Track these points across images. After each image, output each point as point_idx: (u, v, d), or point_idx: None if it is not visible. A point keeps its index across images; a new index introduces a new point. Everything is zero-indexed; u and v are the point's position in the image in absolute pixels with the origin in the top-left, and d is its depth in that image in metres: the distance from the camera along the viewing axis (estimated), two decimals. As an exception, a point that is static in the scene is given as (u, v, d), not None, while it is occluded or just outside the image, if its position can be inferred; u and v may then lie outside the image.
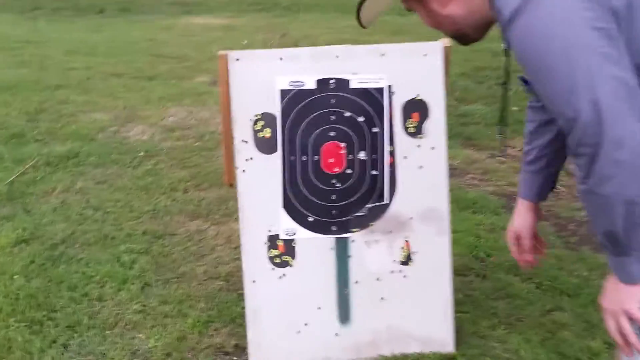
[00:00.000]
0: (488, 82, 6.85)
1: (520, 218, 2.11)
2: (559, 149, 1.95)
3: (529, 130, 2.04)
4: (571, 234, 3.63)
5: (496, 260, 3.27)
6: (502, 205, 3.96)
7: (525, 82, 1.69)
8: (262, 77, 2.39)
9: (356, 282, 2.52)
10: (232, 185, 2.50)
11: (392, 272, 2.53)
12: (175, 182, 4.32)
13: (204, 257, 3.35)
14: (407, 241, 2.52)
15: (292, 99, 2.41)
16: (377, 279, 2.52)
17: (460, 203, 3.87)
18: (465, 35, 1.74)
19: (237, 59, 2.39)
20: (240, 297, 2.62)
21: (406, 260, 2.53)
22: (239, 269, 2.62)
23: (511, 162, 4.60)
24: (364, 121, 2.44)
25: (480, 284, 3.08)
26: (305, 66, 2.40)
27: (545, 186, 2.07)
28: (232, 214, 3.70)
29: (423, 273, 2.54)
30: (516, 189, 3.85)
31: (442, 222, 2.53)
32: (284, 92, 2.40)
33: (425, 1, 1.69)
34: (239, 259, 2.60)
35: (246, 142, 2.42)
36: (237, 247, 2.93)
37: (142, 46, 9.35)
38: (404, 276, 2.53)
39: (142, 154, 4.84)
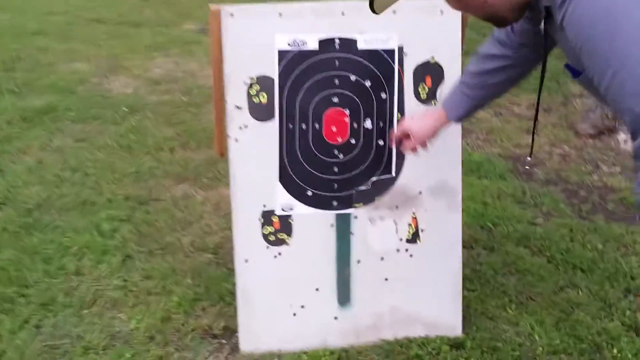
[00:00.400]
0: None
1: (424, 124, 2.07)
2: (500, 91, 1.95)
3: (485, 69, 1.90)
4: (582, 201, 3.47)
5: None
6: (509, 168, 3.81)
7: (573, 71, 1.45)
8: (259, 36, 2.18)
9: (358, 261, 2.37)
10: (222, 155, 2.30)
11: (397, 250, 2.39)
12: (160, 141, 4.10)
13: (191, 226, 3.14)
14: (414, 217, 2.37)
15: (292, 60, 2.21)
16: (381, 258, 2.38)
17: (464, 167, 3.67)
18: (500, 17, 1.51)
19: (232, 15, 2.16)
20: (230, 272, 2.48)
21: (413, 238, 2.39)
22: (228, 240, 2.43)
23: (518, 122, 4.38)
24: (371, 86, 2.26)
25: (488, 258, 2.94)
26: (307, 23, 2.19)
27: (469, 112, 2.03)
28: (221, 178, 3.49)
29: (431, 252, 2.40)
30: (523, 150, 3.59)
31: (454, 197, 2.38)
32: (282, 53, 2.20)
33: None
34: (228, 228, 2.41)
35: (240, 108, 2.22)
36: (227, 215, 2.73)
37: (128, -12, 8.99)
38: (411, 255, 2.40)
39: (125, 109, 4.59)
